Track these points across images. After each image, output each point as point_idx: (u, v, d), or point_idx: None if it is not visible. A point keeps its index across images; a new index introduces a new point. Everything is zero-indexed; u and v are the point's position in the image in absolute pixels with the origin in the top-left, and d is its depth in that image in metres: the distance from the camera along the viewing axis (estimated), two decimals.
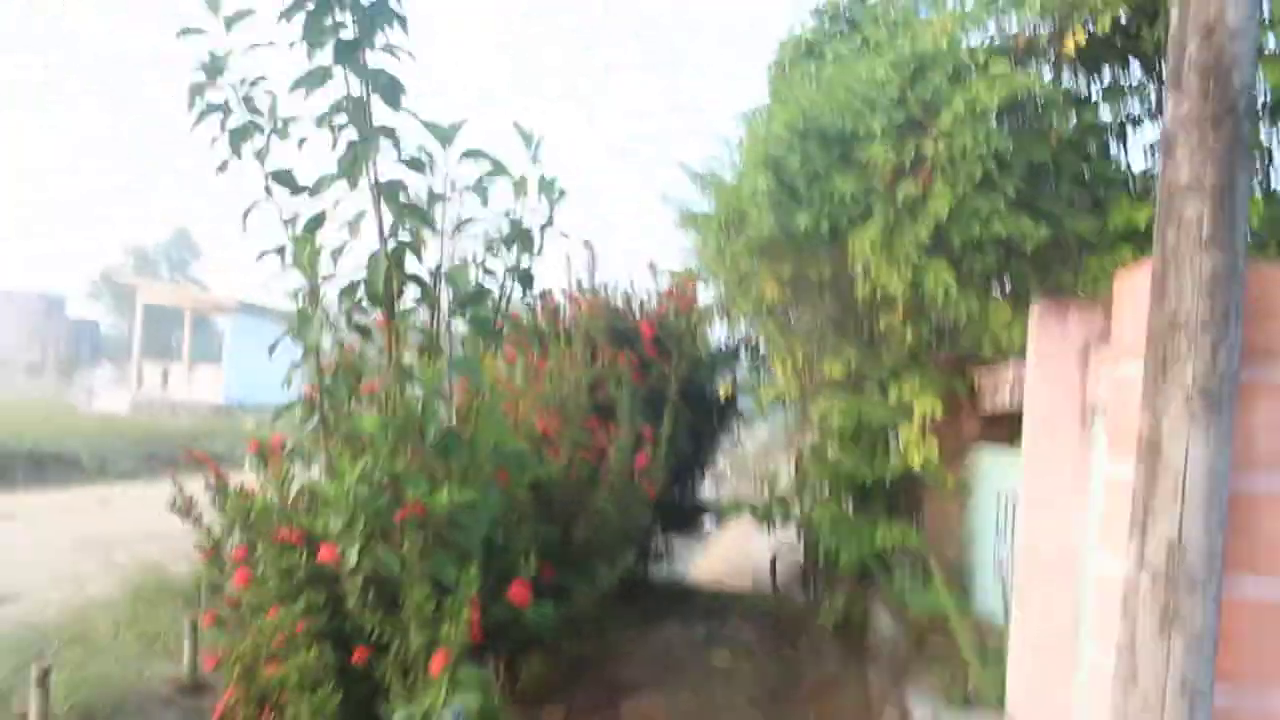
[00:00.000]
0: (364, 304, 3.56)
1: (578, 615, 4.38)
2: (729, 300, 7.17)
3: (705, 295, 8.22)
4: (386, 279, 3.45)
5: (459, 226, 3.67)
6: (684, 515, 8.38)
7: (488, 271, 3.85)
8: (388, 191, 3.50)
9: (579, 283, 7.82)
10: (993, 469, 4.82)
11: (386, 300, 3.52)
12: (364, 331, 3.67)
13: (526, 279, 3.99)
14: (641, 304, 8.03)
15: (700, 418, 7.87)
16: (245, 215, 3.59)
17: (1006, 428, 4.83)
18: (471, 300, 3.65)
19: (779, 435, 10.37)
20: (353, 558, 3.22)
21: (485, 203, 3.67)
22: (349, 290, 3.56)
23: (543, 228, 3.91)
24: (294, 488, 3.69)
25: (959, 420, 5.24)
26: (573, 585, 4.38)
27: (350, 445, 3.52)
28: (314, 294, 3.50)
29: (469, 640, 3.11)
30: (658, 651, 5.96)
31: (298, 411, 3.60)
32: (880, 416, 5.26)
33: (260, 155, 3.59)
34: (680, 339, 7.64)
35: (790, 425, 7.78)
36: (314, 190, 3.54)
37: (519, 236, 3.83)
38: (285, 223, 3.55)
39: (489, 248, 3.83)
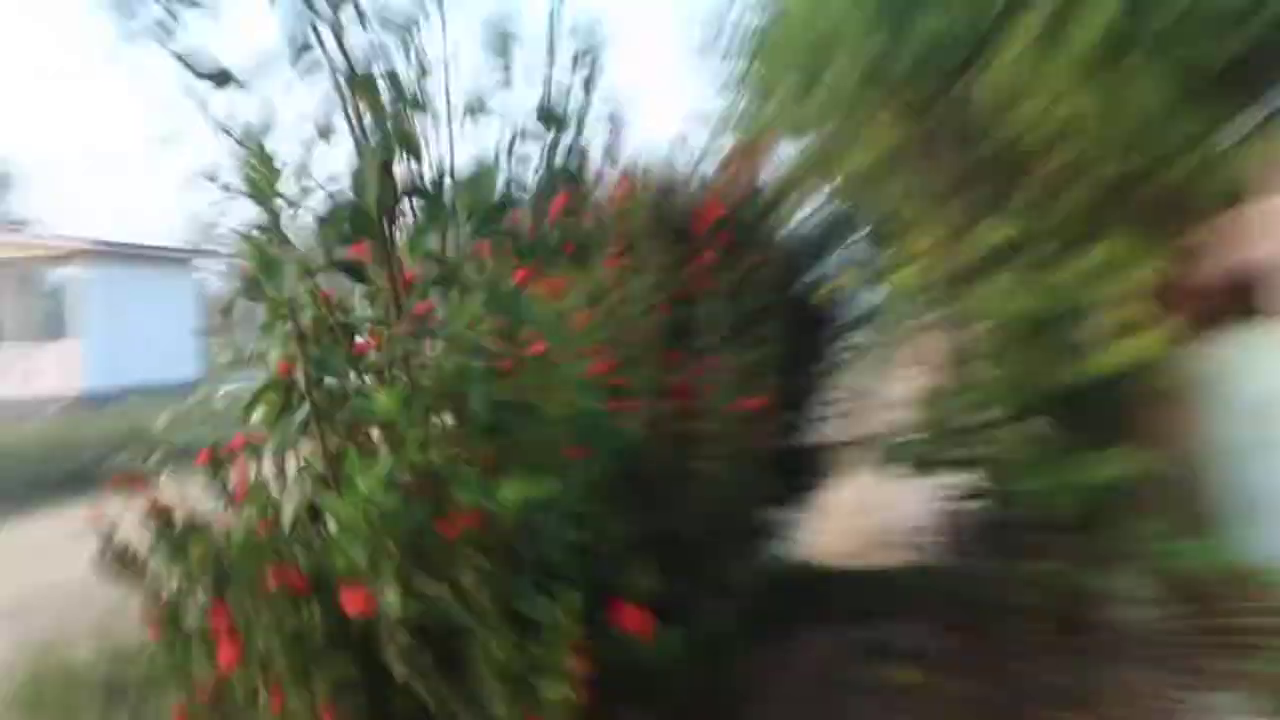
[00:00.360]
0: (350, 234, 3.38)
1: (706, 639, 4.25)
2: (825, 160, 7.01)
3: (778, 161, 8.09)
4: (379, 194, 3.26)
5: (469, 110, 3.48)
6: (796, 468, 8.23)
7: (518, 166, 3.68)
8: (358, 73, 3.30)
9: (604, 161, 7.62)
10: (1242, 361, 4.84)
11: (382, 223, 3.34)
12: (355, 272, 3.49)
13: (575, 172, 3.81)
14: (695, 180, 7.85)
15: (797, 332, 7.72)
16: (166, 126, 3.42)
17: (1246, 303, 4.78)
18: (497, 212, 3.47)
19: (911, 344, 10.24)
20: (393, 602, 3.09)
21: (507, 64, 3.49)
22: (332, 216, 3.37)
23: (585, 89, 3.69)
24: (288, 510, 3.56)
25: (1177, 296, 5.16)
26: (695, 596, 4.24)
27: (356, 437, 3.41)
28: (276, 226, 3.34)
29: (577, 704, 3.00)
30: (808, 674, 5.85)
31: (271, 397, 3.43)
32: (1068, 298, 5.16)
33: (167, 30, 3.38)
34: (757, 224, 7.47)
35: (932, 326, 7.65)
36: (249, 81, 3.35)
37: (553, 115, 3.63)
38: (223, 130, 3.37)
39: (516, 135, 3.65)
